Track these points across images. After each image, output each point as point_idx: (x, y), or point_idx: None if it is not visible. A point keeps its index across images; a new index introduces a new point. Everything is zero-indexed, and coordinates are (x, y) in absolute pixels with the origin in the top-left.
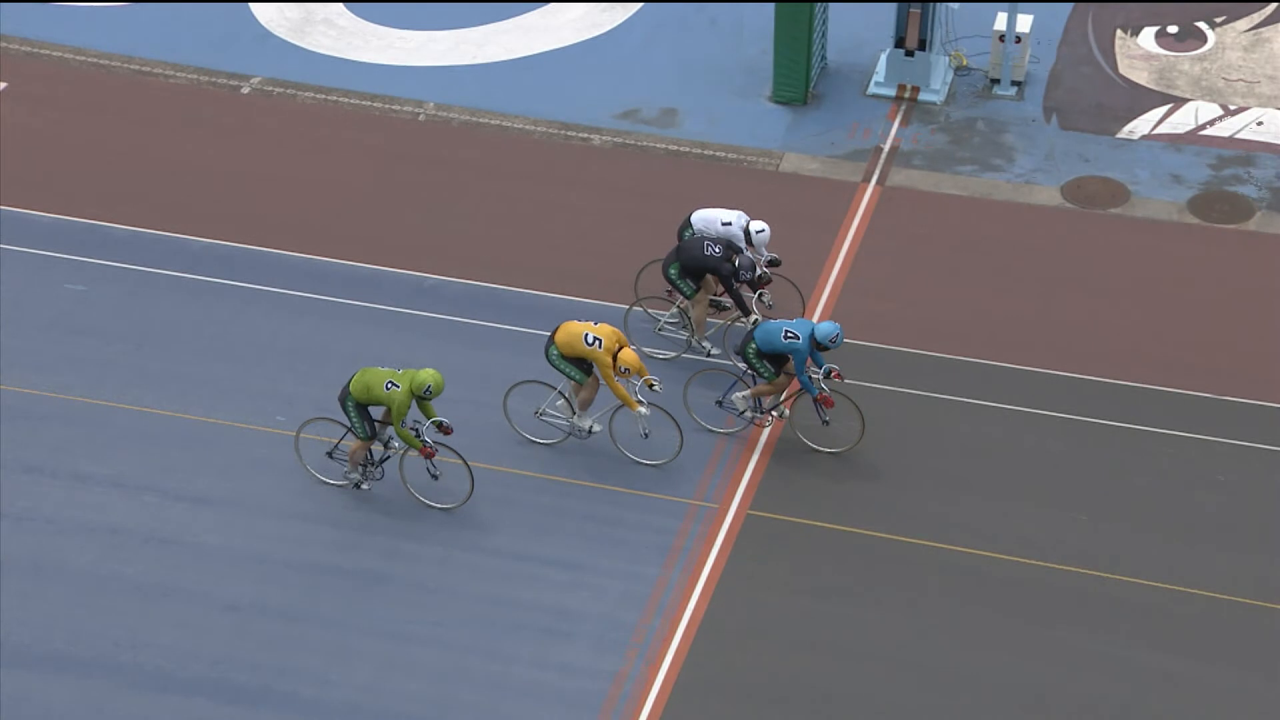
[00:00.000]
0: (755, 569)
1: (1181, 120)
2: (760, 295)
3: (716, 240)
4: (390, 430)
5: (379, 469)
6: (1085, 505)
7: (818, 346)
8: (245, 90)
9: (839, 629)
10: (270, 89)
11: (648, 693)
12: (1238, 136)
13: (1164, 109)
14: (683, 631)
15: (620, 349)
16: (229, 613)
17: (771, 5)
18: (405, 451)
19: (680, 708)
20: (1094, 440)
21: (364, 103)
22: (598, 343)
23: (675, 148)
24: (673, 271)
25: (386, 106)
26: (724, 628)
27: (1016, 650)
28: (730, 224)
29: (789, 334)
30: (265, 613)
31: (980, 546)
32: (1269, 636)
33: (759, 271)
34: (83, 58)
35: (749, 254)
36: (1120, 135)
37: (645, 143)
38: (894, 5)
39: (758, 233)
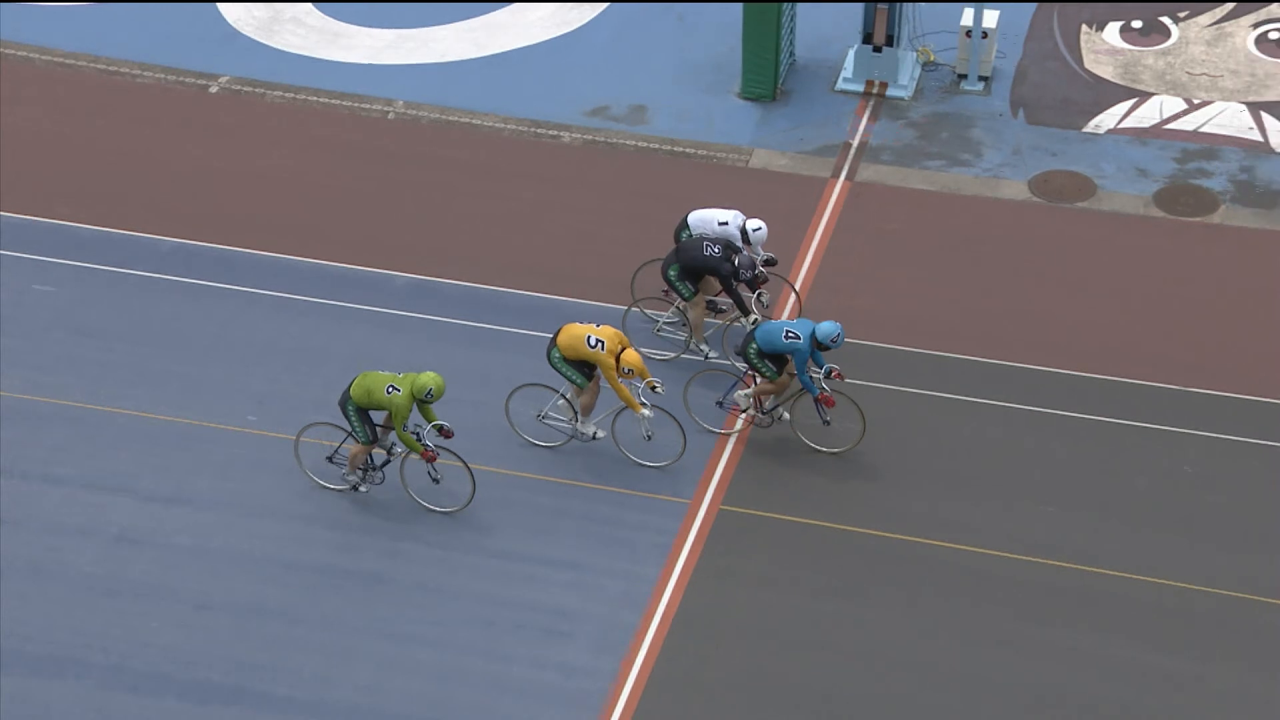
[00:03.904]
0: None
1: (1146, 114)
2: (759, 295)
3: (715, 240)
4: (393, 435)
5: (379, 473)
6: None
7: (819, 346)
8: (213, 89)
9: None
10: (238, 88)
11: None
12: (1202, 130)
13: (1129, 103)
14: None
15: (623, 350)
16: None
17: (739, 4)
18: (406, 455)
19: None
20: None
21: (333, 101)
22: (600, 345)
23: (645, 144)
24: (672, 273)
25: (356, 105)
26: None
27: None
28: (727, 223)
29: (790, 334)
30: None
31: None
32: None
33: (756, 270)
34: (48, 57)
35: (746, 253)
36: (1086, 129)
37: (615, 140)
38: (861, 2)
39: (755, 230)
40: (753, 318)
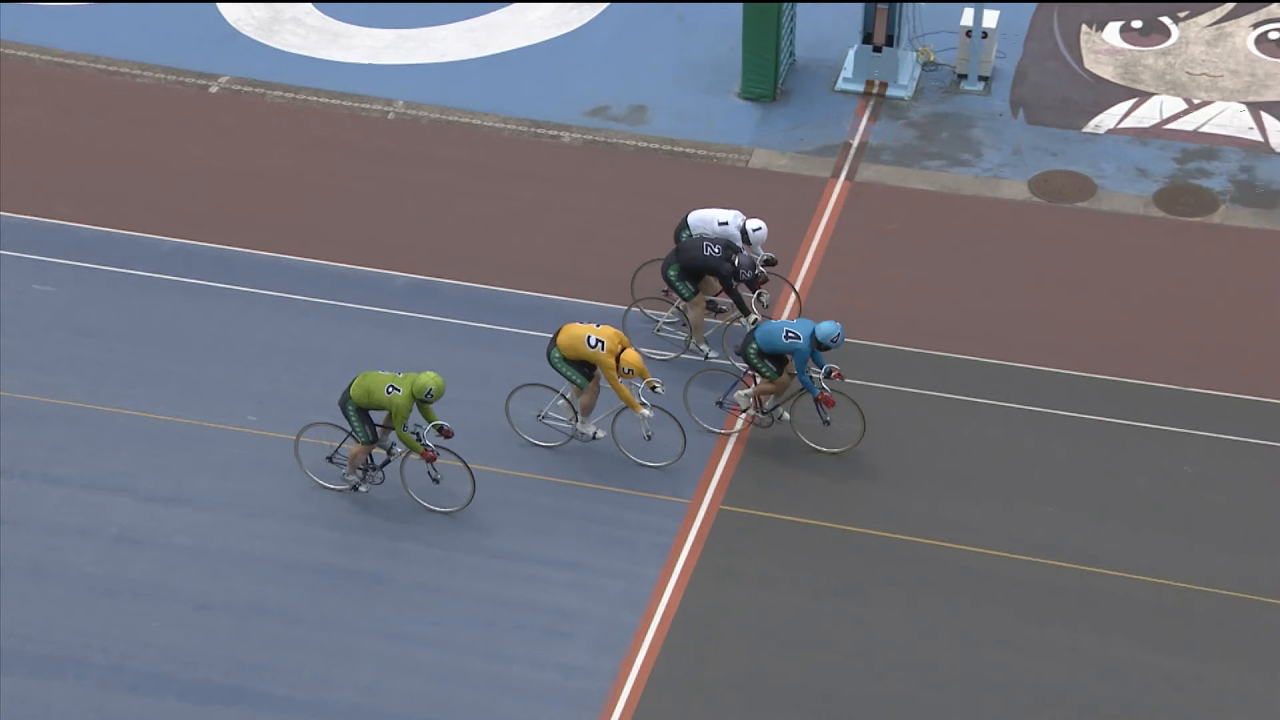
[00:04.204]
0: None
1: (1146, 114)
2: (759, 295)
3: (715, 240)
4: (393, 435)
5: (379, 473)
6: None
7: (819, 346)
8: (213, 89)
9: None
10: (238, 88)
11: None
12: (1202, 130)
13: (1129, 103)
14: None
15: (623, 350)
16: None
17: (739, 4)
18: (406, 455)
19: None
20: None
21: (333, 101)
22: (600, 345)
23: (645, 144)
24: (672, 273)
25: (356, 105)
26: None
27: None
28: (727, 223)
29: (790, 334)
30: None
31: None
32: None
33: (756, 270)
34: (48, 57)
35: (746, 253)
36: (1086, 129)
37: (615, 140)
38: (861, 2)
39: (755, 230)
40: (753, 318)
